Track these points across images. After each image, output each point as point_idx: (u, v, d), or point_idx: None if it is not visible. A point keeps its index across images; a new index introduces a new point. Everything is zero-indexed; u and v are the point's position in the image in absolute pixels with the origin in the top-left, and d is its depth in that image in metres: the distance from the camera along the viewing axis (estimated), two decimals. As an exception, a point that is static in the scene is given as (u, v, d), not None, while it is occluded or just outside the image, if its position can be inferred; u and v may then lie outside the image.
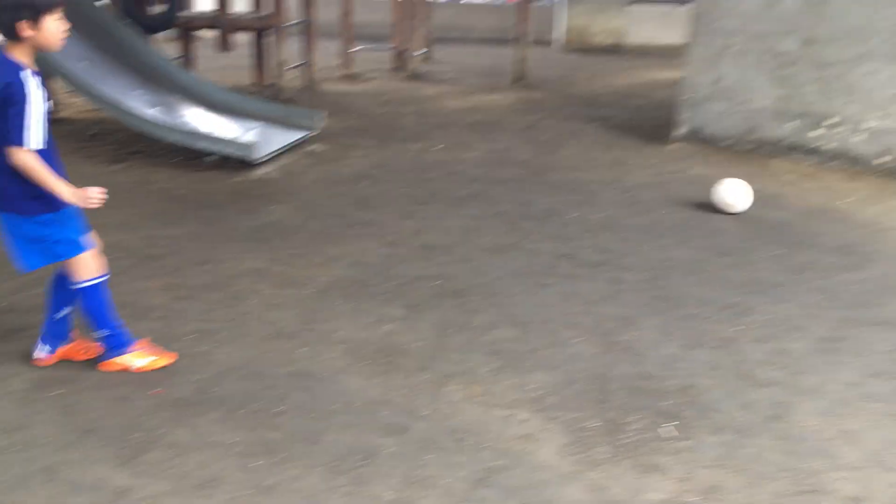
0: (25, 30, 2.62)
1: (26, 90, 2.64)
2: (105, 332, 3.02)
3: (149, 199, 5.33)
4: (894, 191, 5.90)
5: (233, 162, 6.01)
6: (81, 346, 3.14)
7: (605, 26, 15.49)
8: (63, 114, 7.68)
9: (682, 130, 7.24)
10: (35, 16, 2.62)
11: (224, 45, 9.04)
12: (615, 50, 15.35)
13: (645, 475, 2.60)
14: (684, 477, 2.59)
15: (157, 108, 6.39)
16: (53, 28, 2.67)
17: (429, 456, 2.66)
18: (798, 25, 6.38)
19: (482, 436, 2.78)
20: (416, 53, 11.37)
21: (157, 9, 8.42)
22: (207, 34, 10.40)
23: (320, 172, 6.11)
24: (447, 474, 2.57)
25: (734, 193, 5.29)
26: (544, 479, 2.57)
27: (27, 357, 3.14)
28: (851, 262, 4.49)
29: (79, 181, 6.19)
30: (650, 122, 8.39)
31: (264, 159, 6.02)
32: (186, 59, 9.08)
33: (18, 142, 2.65)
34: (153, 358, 3.12)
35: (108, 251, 4.30)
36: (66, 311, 3.06)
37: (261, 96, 8.17)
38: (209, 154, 5.99)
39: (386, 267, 4.26)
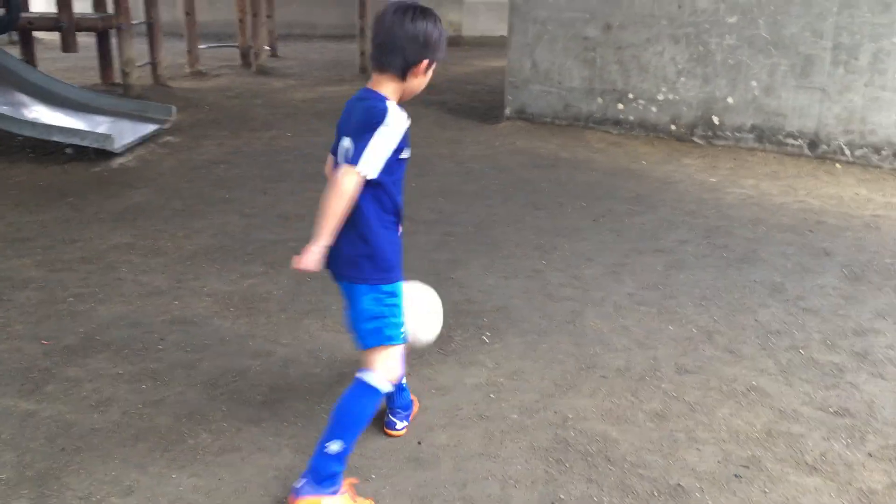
0: (420, 72, 2.30)
1: (382, 112, 2.22)
2: (337, 448, 2.29)
3: (10, 190, 5.58)
4: (683, 152, 6.96)
5: (90, 154, 6.30)
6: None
7: (442, 20, 16.32)
8: None
9: (509, 110, 8.09)
10: (432, 61, 2.32)
11: (67, 45, 9.13)
12: (454, 42, 16.22)
13: (465, 368, 3.29)
14: (495, 367, 3.31)
15: (9, 107, 6.56)
16: (428, 78, 2.37)
17: (291, 370, 3.25)
18: (598, 13, 7.34)
19: (335, 353, 3.39)
20: (262, 50, 11.76)
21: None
22: (47, 36, 10.38)
23: (177, 160, 6.51)
24: (308, 380, 3.16)
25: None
26: (386, 377, 3.21)
27: (-81, 324, 3.48)
28: (640, 209, 5.41)
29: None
30: (483, 105, 9.23)
31: (120, 150, 6.34)
32: (28, 60, 9.10)
33: (353, 161, 2.20)
34: None
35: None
36: (403, 381, 2.76)
37: (111, 94, 8.38)
38: (67, 146, 6.26)
39: (246, 234, 4.79)
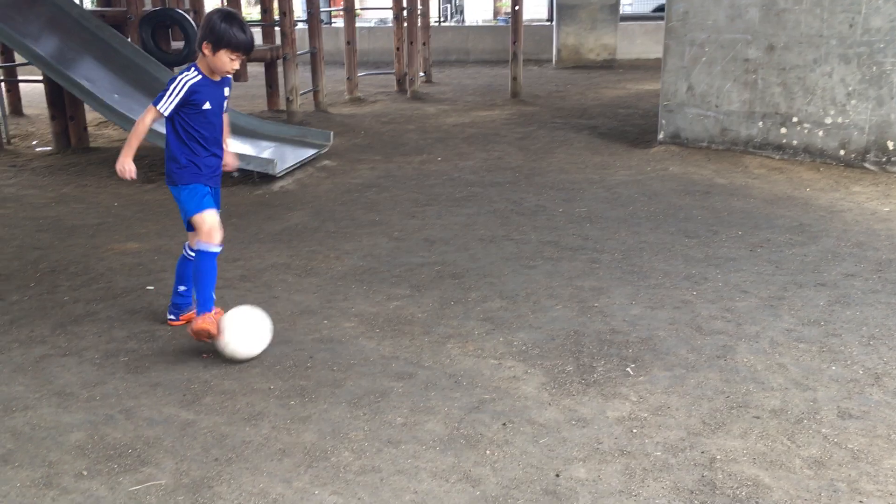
0: (203, 49, 3.39)
1: (178, 78, 3.42)
2: (183, 288, 3.88)
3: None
4: (853, 179, 6.51)
5: (254, 178, 6.68)
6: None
7: (596, 43, 16.19)
8: (95, 144, 8.40)
9: (662, 135, 7.88)
10: (215, 44, 3.36)
11: (238, 75, 9.75)
12: (608, 65, 16.04)
13: (607, 401, 3.20)
14: (639, 401, 3.20)
15: (183, 133, 7.06)
16: (223, 59, 3.40)
17: (431, 393, 3.28)
18: (760, 34, 7.03)
19: (476, 378, 3.40)
20: (417, 76, 12.10)
21: (176, 45, 9.17)
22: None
23: (332, 184, 6.78)
24: (447, 405, 3.18)
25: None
26: (527, 405, 3.18)
27: (99, 334, 3.79)
28: (802, 239, 5.10)
29: (116, 200, 6.90)
30: (635, 129, 9.04)
31: (282, 174, 6.68)
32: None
33: (154, 102, 3.43)
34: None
35: (150, 255, 5.00)
36: (186, 287, 3.89)
37: (275, 120, 8.86)
38: (234, 170, 6.66)
39: (393, 257, 4.90)
